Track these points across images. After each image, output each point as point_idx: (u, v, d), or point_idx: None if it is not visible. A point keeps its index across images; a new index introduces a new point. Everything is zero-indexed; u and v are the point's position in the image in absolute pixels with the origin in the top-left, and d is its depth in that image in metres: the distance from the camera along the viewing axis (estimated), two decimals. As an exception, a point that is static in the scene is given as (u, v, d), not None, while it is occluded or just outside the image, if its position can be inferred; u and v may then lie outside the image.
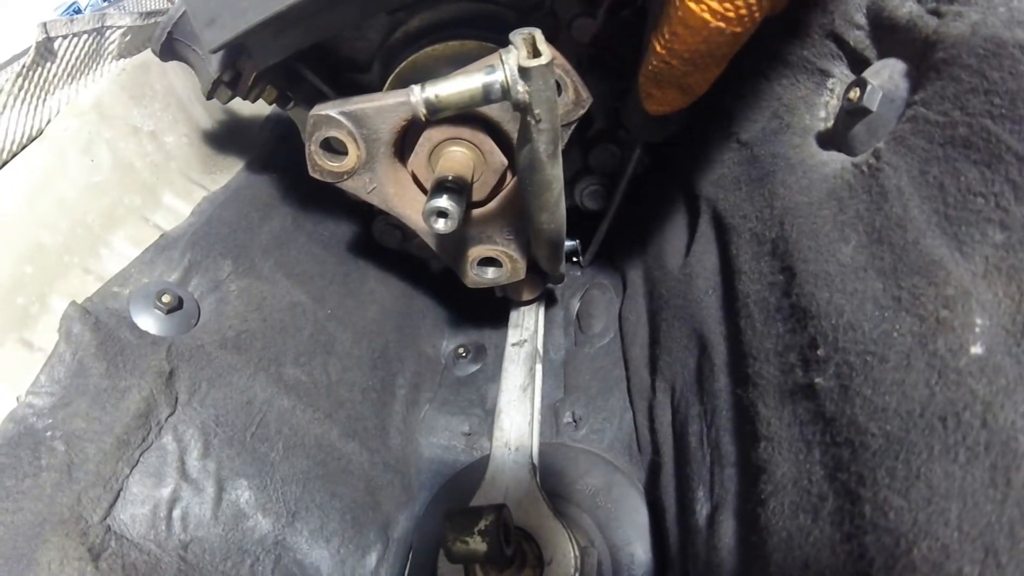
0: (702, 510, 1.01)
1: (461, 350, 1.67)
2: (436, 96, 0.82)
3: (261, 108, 1.73)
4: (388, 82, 1.20)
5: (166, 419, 1.14)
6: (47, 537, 0.97)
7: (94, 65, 1.39)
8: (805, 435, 0.77)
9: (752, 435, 0.87)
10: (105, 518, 1.03)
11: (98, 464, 1.04)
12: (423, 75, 1.12)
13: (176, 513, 1.10)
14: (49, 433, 1.04)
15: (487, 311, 1.68)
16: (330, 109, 1.08)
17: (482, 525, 1.00)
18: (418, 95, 0.82)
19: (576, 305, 1.64)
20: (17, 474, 0.99)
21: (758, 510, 0.81)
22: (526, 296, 1.53)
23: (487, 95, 0.81)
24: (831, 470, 0.70)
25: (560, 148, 0.93)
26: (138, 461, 1.09)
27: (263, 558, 1.16)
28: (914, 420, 0.62)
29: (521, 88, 0.79)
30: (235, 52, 1.22)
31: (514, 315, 1.57)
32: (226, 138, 1.61)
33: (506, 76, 0.79)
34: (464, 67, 0.93)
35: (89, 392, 1.09)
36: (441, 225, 1.02)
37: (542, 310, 1.60)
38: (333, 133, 1.09)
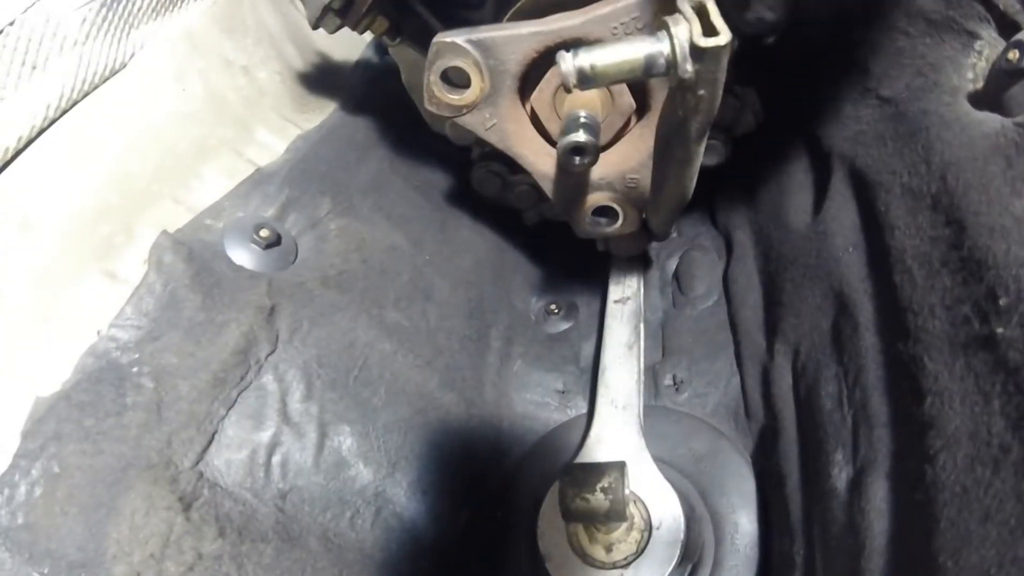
0: (841, 473, 0.92)
1: (553, 306, 1.53)
2: (592, 66, 0.70)
3: (351, 51, 1.61)
4: (508, 17, 1.06)
5: (266, 357, 1.00)
6: (131, 483, 0.83)
7: (179, 2, 1.26)
8: (982, 387, 0.70)
9: (914, 391, 0.80)
10: (197, 463, 0.90)
11: (191, 403, 0.91)
12: (546, 12, 0.99)
13: (275, 459, 0.97)
14: (136, 369, 0.90)
15: (578, 269, 1.55)
16: (456, 37, 0.95)
17: (605, 483, 0.94)
18: (570, 63, 0.70)
19: (673, 266, 1.50)
20: (97, 413, 0.86)
21: (924, 467, 0.74)
22: (630, 251, 1.38)
23: (648, 69, 0.69)
24: (1015, 420, 0.64)
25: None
26: (235, 401, 0.96)
27: (363, 510, 1.03)
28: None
29: (690, 68, 0.66)
30: (348, -23, 1.08)
31: (615, 271, 1.43)
32: (317, 78, 1.48)
33: (674, 51, 0.66)
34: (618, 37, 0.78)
35: (182, 326, 0.95)
36: (577, 161, 0.90)
37: (644, 268, 1.44)
38: (457, 63, 0.96)
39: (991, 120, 0.78)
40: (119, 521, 0.81)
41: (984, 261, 0.72)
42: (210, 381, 0.93)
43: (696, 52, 0.65)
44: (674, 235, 1.54)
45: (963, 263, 0.76)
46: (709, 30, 0.65)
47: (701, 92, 0.70)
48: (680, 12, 0.66)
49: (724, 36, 0.64)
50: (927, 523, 0.71)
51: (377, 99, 1.50)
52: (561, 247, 1.45)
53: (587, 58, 0.69)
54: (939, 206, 0.82)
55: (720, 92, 0.72)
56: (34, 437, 0.81)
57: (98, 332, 0.91)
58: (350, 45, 1.57)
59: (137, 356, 0.91)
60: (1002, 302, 0.68)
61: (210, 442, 0.92)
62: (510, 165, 1.18)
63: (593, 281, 1.50)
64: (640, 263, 1.44)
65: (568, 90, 0.73)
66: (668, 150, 0.89)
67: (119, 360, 0.90)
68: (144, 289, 0.95)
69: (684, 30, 0.65)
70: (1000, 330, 0.68)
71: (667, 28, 0.66)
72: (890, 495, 0.82)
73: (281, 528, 0.93)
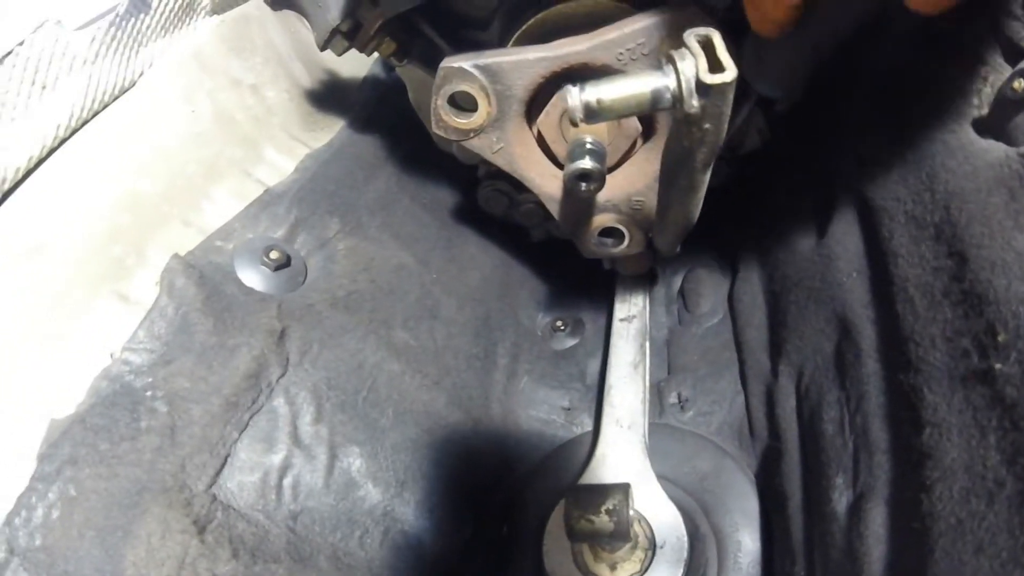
0: (841, 498, 0.93)
1: (559, 323, 1.54)
2: (598, 101, 0.70)
3: (358, 69, 1.62)
4: (514, 39, 1.06)
5: (277, 380, 1.02)
6: (147, 507, 0.85)
7: (187, 20, 1.28)
8: (979, 421, 0.71)
9: (913, 421, 0.81)
10: (211, 486, 0.92)
11: (204, 427, 0.93)
12: (552, 35, 0.99)
13: (287, 481, 0.98)
14: (149, 393, 0.92)
15: (584, 285, 1.56)
16: (463, 62, 0.96)
17: (610, 504, 0.95)
18: (577, 98, 0.70)
19: (678, 283, 1.51)
20: (112, 437, 0.87)
21: (921, 496, 0.75)
22: (636, 270, 1.39)
23: (655, 104, 0.69)
24: (1010, 455, 0.65)
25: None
26: (247, 425, 0.97)
27: (372, 529, 1.04)
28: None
29: (696, 103, 0.67)
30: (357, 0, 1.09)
31: (621, 290, 1.44)
32: (325, 96, 1.50)
33: (680, 87, 0.66)
34: (625, 73, 0.78)
35: (194, 350, 0.97)
36: (583, 188, 0.91)
37: (649, 285, 1.46)
38: (464, 87, 0.97)
39: (995, 149, 0.79)
40: (135, 544, 0.83)
41: (985, 296, 0.73)
42: (223, 405, 0.94)
43: (702, 88, 0.65)
44: (679, 253, 1.54)
45: (964, 296, 0.77)
46: (715, 66, 0.65)
47: (707, 126, 0.70)
48: (687, 47, 0.67)
49: (730, 72, 0.64)
50: (923, 552, 0.72)
51: (385, 116, 1.51)
52: (567, 263, 1.45)
53: (594, 93, 0.70)
54: (942, 236, 0.83)
55: (725, 125, 0.73)
56: (50, 460, 0.83)
57: (111, 355, 0.93)
58: (358, 62, 1.56)
59: (150, 380, 0.92)
60: (1001, 338, 0.69)
61: (223, 465, 0.93)
62: (516, 184, 1.18)
63: (599, 297, 1.51)
64: (646, 281, 1.45)
65: (575, 124, 0.74)
66: (673, 178, 0.90)
67: (133, 384, 0.92)
68: (156, 313, 0.96)
69: (690, 66, 0.65)
70: (999, 366, 0.69)
71: (673, 63, 0.66)
72: (888, 522, 0.83)
73: (292, 549, 0.94)
